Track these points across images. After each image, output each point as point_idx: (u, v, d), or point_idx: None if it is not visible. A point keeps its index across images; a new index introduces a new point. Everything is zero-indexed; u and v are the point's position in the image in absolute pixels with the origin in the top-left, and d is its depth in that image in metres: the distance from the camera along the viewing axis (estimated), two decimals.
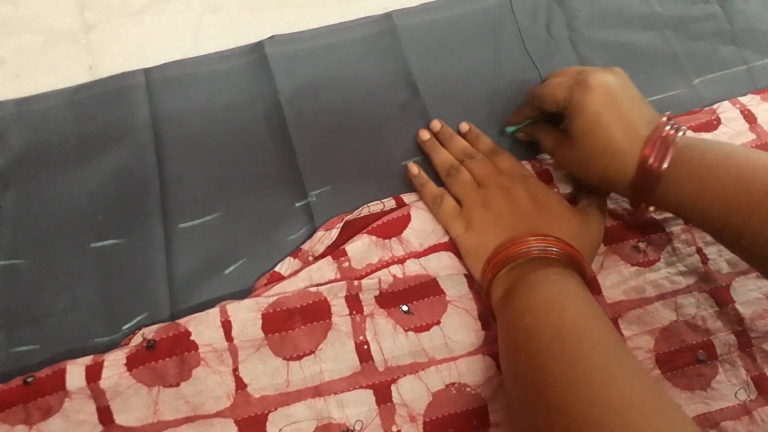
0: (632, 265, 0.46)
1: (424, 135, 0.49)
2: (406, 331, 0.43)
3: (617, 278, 0.46)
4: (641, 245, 0.47)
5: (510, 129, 0.50)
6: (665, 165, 0.39)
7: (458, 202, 0.46)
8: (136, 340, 0.41)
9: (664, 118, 0.41)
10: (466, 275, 0.45)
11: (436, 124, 0.50)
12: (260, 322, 0.42)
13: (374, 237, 0.45)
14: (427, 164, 0.49)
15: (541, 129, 0.48)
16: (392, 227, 0.46)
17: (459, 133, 0.50)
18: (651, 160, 0.39)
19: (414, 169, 0.48)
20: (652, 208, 0.42)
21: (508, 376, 0.37)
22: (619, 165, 0.40)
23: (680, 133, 0.40)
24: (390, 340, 0.43)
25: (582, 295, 0.38)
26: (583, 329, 0.35)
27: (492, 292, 0.41)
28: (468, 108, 0.52)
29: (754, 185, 0.36)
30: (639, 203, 0.41)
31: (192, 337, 0.41)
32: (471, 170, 0.46)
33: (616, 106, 0.41)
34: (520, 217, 0.43)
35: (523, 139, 0.50)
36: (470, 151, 0.48)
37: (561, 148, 0.45)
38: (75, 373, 0.39)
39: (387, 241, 0.45)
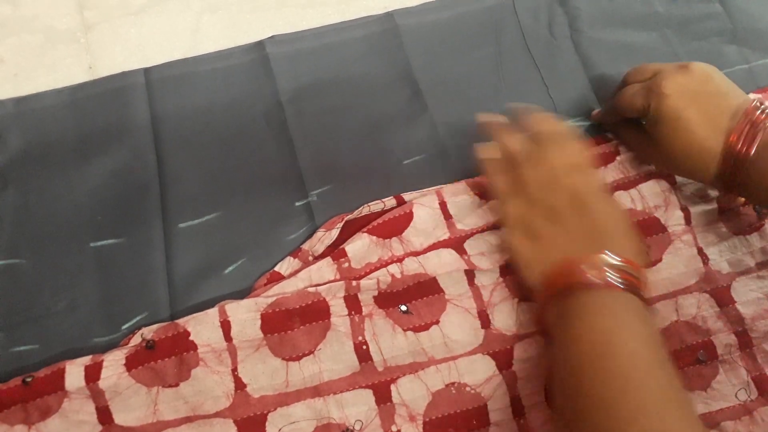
0: None
1: (485, 152, 0.47)
2: (405, 330, 0.43)
3: None
4: (642, 246, 0.47)
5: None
6: (752, 151, 0.39)
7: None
8: (136, 340, 0.41)
9: (755, 103, 0.40)
10: (466, 272, 0.45)
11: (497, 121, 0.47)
12: (259, 322, 0.42)
13: (374, 237, 0.45)
14: (426, 164, 0.49)
15: (623, 129, 0.48)
16: (393, 226, 0.46)
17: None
18: (738, 147, 0.39)
19: (486, 152, 0.45)
20: (742, 200, 0.43)
21: (560, 396, 0.37)
22: (703, 163, 0.41)
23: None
24: (389, 340, 0.43)
25: (639, 331, 0.36)
26: (634, 378, 0.33)
27: (548, 310, 0.40)
28: (469, 108, 0.51)
29: None
30: (727, 193, 0.42)
31: (191, 337, 0.41)
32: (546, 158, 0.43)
33: (694, 108, 0.41)
34: (587, 231, 0.41)
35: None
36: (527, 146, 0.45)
37: (646, 148, 0.45)
38: (74, 373, 0.39)
39: (387, 240, 0.45)
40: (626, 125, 0.48)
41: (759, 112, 0.40)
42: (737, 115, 0.40)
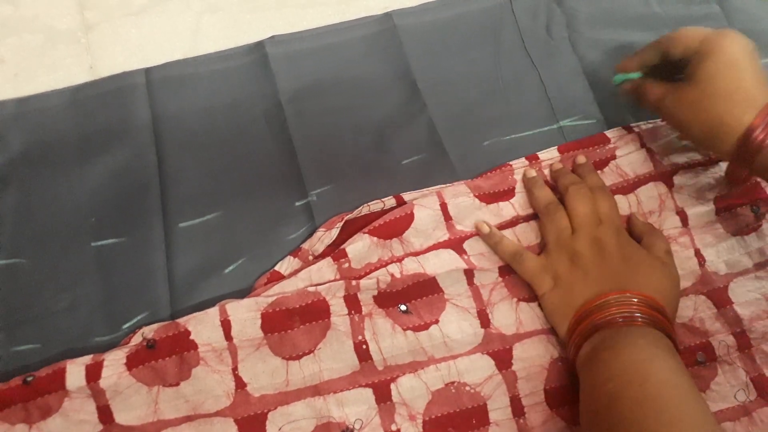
0: None
1: (530, 172, 0.48)
2: (404, 330, 0.43)
3: None
4: None
5: (618, 77, 0.49)
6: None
7: (546, 244, 0.46)
8: (136, 339, 0.41)
9: None
10: (465, 272, 0.45)
11: (558, 165, 0.49)
12: (259, 321, 0.42)
13: (375, 238, 0.45)
14: (425, 164, 0.49)
15: (648, 81, 0.47)
16: (394, 227, 0.46)
17: (574, 164, 0.49)
18: (757, 132, 0.40)
19: (484, 227, 0.46)
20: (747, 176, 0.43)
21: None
22: (739, 113, 0.41)
23: None
24: (389, 339, 0.43)
25: (666, 360, 0.37)
26: (666, 401, 0.34)
27: (578, 352, 0.41)
28: (468, 107, 0.52)
29: None
30: (736, 168, 0.43)
31: (191, 337, 0.41)
32: (571, 205, 0.45)
33: (753, 59, 0.42)
34: (608, 273, 0.42)
35: (627, 92, 0.49)
36: (577, 181, 0.47)
37: (674, 93, 0.44)
38: (75, 372, 0.39)
39: (388, 241, 0.45)
40: (651, 79, 0.47)
41: None
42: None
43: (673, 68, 0.45)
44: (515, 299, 0.45)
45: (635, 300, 0.40)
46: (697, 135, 0.44)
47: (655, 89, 0.46)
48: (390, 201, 0.47)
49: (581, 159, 0.49)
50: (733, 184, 0.47)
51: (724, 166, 0.49)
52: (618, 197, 0.48)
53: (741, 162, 0.42)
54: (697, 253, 0.47)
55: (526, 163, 0.49)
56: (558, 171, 0.48)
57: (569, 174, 0.48)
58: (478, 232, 0.46)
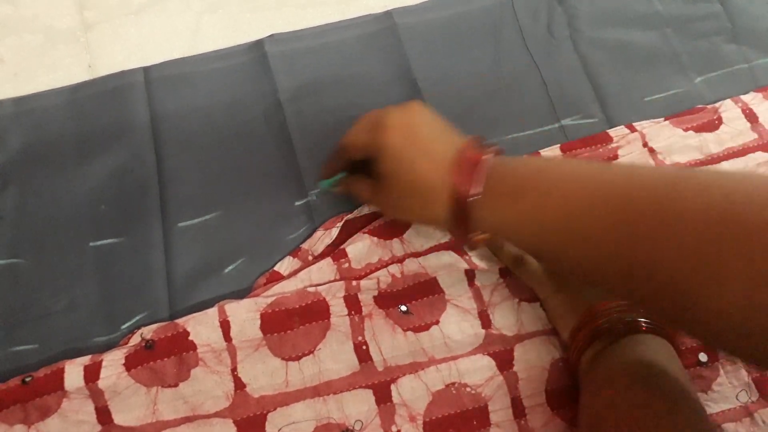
0: None
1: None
2: (405, 331, 0.43)
3: None
4: None
5: (324, 183, 0.47)
6: (478, 189, 0.36)
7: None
8: (135, 339, 0.41)
9: (470, 140, 0.39)
10: (466, 272, 0.45)
11: None
12: (259, 322, 0.42)
13: (375, 238, 0.45)
14: None
15: (354, 179, 0.45)
16: (394, 227, 0.46)
17: None
18: (460, 187, 0.36)
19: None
20: (481, 235, 0.39)
21: None
22: (433, 199, 0.38)
23: (490, 154, 0.37)
24: (389, 340, 0.42)
25: (667, 367, 0.37)
26: (665, 407, 0.34)
27: (581, 358, 0.40)
28: (468, 107, 0.52)
29: (560, 203, 0.33)
30: (462, 234, 0.39)
31: (190, 337, 0.41)
32: None
33: (417, 140, 0.39)
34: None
35: (340, 193, 0.47)
36: None
37: (376, 195, 0.42)
38: (73, 373, 0.39)
39: (388, 241, 0.45)
40: (355, 176, 0.45)
41: (475, 150, 0.38)
42: (457, 154, 0.38)
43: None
44: (517, 300, 0.45)
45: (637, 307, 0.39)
46: (419, 222, 0.43)
47: (361, 189, 0.44)
48: None
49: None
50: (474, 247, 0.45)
51: (726, 166, 0.49)
52: None
53: (463, 229, 0.38)
54: None
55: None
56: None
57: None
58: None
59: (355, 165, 0.44)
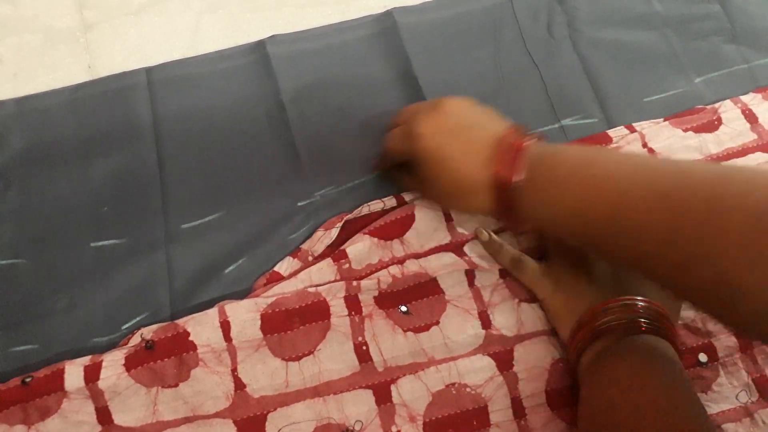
0: None
1: (483, 236, 0.46)
2: (405, 331, 0.43)
3: None
4: None
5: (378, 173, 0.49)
6: (520, 177, 0.36)
7: (547, 250, 0.45)
8: (135, 340, 0.41)
9: (511, 127, 0.39)
10: (466, 273, 0.45)
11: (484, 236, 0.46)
12: (259, 322, 0.42)
13: (375, 238, 0.45)
14: None
15: (401, 176, 0.46)
16: (395, 228, 0.46)
17: None
18: (503, 175, 0.37)
19: (484, 234, 0.45)
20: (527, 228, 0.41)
21: None
22: (476, 191, 0.39)
23: (532, 141, 0.38)
24: (389, 340, 0.42)
25: (666, 368, 0.37)
26: (663, 409, 0.34)
27: (580, 359, 0.40)
28: None
29: (611, 195, 0.34)
30: (511, 222, 0.40)
31: (191, 338, 0.41)
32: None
33: (451, 140, 0.39)
34: (612, 278, 0.41)
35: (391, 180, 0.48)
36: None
37: (423, 190, 0.45)
38: (73, 373, 0.39)
39: (388, 242, 0.45)
40: (403, 169, 0.45)
41: (517, 137, 0.38)
42: (497, 143, 0.38)
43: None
44: (516, 300, 0.45)
45: (638, 306, 0.39)
46: (468, 213, 0.44)
47: (408, 184, 0.47)
48: (390, 201, 0.47)
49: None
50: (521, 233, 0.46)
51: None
52: None
53: (510, 217, 0.39)
54: None
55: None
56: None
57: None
58: (476, 238, 0.46)
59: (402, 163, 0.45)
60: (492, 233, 0.46)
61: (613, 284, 0.41)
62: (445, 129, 0.40)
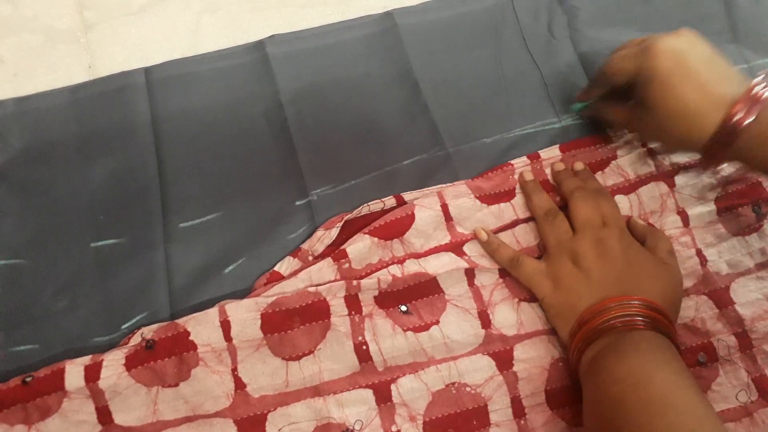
0: None
1: (527, 175, 0.48)
2: (405, 331, 0.43)
3: None
4: None
5: (577, 106, 0.50)
6: (750, 119, 0.38)
7: (545, 249, 0.45)
8: (135, 339, 0.41)
9: (760, 78, 0.39)
10: (466, 272, 0.45)
11: (559, 165, 0.48)
12: (259, 322, 0.42)
13: (375, 238, 0.45)
14: (426, 164, 0.49)
15: (610, 105, 0.47)
16: (395, 228, 0.46)
17: (573, 170, 0.49)
18: (738, 116, 0.38)
19: (482, 234, 0.46)
20: (725, 165, 0.43)
21: None
22: (698, 126, 0.40)
23: None
24: (389, 340, 0.43)
25: (670, 363, 0.37)
26: (671, 402, 0.34)
27: (580, 357, 0.40)
28: (469, 107, 0.52)
29: None
30: (713, 160, 0.41)
31: (191, 337, 0.41)
32: (575, 208, 0.45)
33: (687, 68, 0.40)
34: (610, 275, 0.42)
35: (588, 116, 0.50)
36: (581, 185, 0.46)
37: (636, 119, 0.44)
38: (74, 373, 0.39)
39: (388, 242, 0.45)
40: (611, 102, 0.47)
41: (763, 87, 0.39)
42: (734, 85, 0.40)
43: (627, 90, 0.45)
44: (516, 299, 0.45)
45: (637, 304, 0.40)
46: (671, 148, 0.45)
47: (618, 115, 0.47)
48: (390, 201, 0.47)
49: (579, 165, 0.49)
50: (710, 168, 0.47)
51: (726, 166, 0.49)
52: (619, 197, 0.48)
53: (718, 153, 0.41)
54: (699, 253, 0.47)
55: (528, 161, 0.49)
56: (561, 173, 0.48)
57: (573, 177, 0.48)
58: (476, 238, 0.46)
59: (612, 91, 0.46)
60: (491, 233, 0.46)
61: (612, 283, 0.41)
62: (684, 55, 0.40)
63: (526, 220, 0.47)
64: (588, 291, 0.42)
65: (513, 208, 0.47)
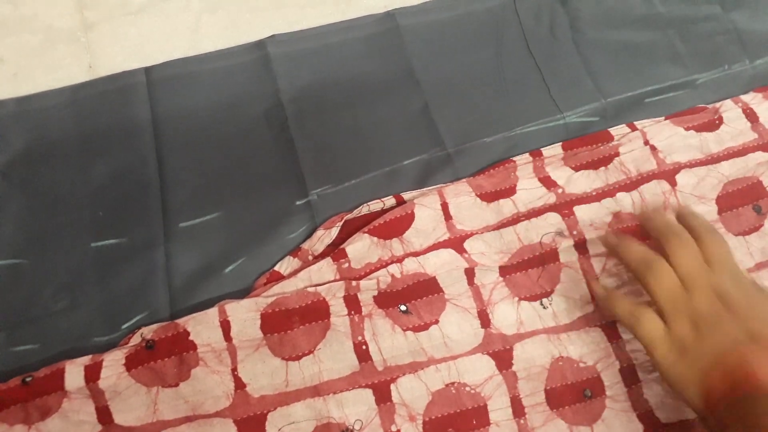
0: None
1: (612, 239, 0.43)
2: (404, 330, 0.43)
3: (617, 282, 0.45)
4: None
5: None
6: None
7: (657, 305, 0.39)
8: (135, 339, 0.41)
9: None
10: (466, 271, 0.45)
11: (646, 213, 0.43)
12: (259, 322, 0.42)
13: (375, 237, 0.45)
14: (426, 164, 0.49)
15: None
16: (394, 227, 0.46)
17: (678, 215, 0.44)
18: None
19: (600, 290, 0.43)
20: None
21: None
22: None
23: None
24: (389, 340, 0.42)
25: None
26: None
27: (724, 423, 0.35)
28: (470, 107, 0.52)
29: None
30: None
31: (191, 337, 0.41)
32: (675, 260, 0.39)
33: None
34: (739, 326, 0.36)
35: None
36: (675, 227, 0.41)
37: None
38: (74, 372, 0.39)
39: (388, 241, 0.45)
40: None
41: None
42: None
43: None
44: (516, 298, 0.45)
45: None
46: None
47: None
48: (390, 201, 0.47)
49: (683, 210, 0.43)
50: None
51: (726, 165, 0.49)
52: (621, 195, 0.48)
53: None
54: None
55: (530, 158, 0.49)
56: (648, 215, 0.43)
57: (662, 217, 0.42)
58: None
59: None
60: (607, 288, 0.43)
61: (741, 333, 0.37)
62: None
63: (528, 216, 0.47)
64: (719, 354, 0.37)
65: (513, 203, 0.47)
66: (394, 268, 0.44)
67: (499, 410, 0.42)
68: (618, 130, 0.51)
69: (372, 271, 0.44)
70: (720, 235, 0.41)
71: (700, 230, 0.41)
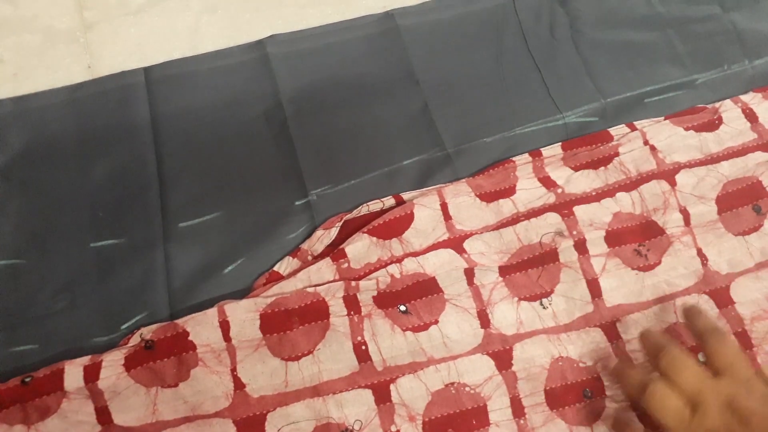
0: (633, 269, 0.46)
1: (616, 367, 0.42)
2: (404, 331, 0.43)
3: (617, 282, 0.45)
4: (642, 249, 0.46)
5: None
6: None
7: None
8: (135, 340, 0.41)
9: None
10: (465, 271, 0.45)
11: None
12: (258, 322, 0.42)
13: (374, 237, 0.45)
14: (426, 164, 0.49)
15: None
16: (394, 227, 0.46)
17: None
18: None
19: (618, 366, 0.42)
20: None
21: None
22: None
23: None
24: (388, 340, 0.42)
25: None
26: None
27: None
28: (470, 107, 0.52)
29: None
30: None
31: (190, 338, 0.41)
32: (675, 380, 0.37)
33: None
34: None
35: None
36: (666, 350, 0.39)
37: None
38: (73, 373, 0.39)
39: (387, 241, 0.45)
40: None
41: None
42: None
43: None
44: (516, 298, 0.45)
45: None
46: None
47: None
48: (389, 201, 0.47)
49: (689, 311, 0.42)
50: None
51: (726, 165, 0.49)
52: (621, 194, 0.48)
53: None
54: (700, 253, 0.47)
55: (530, 158, 0.49)
56: (648, 334, 0.42)
57: (658, 337, 0.41)
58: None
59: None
60: (622, 362, 0.43)
61: None
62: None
63: (528, 216, 0.47)
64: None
65: (513, 203, 0.47)
66: (393, 269, 0.44)
67: (499, 410, 0.42)
68: (617, 130, 0.51)
69: (371, 272, 0.44)
70: (726, 336, 0.39)
71: (706, 334, 0.39)
